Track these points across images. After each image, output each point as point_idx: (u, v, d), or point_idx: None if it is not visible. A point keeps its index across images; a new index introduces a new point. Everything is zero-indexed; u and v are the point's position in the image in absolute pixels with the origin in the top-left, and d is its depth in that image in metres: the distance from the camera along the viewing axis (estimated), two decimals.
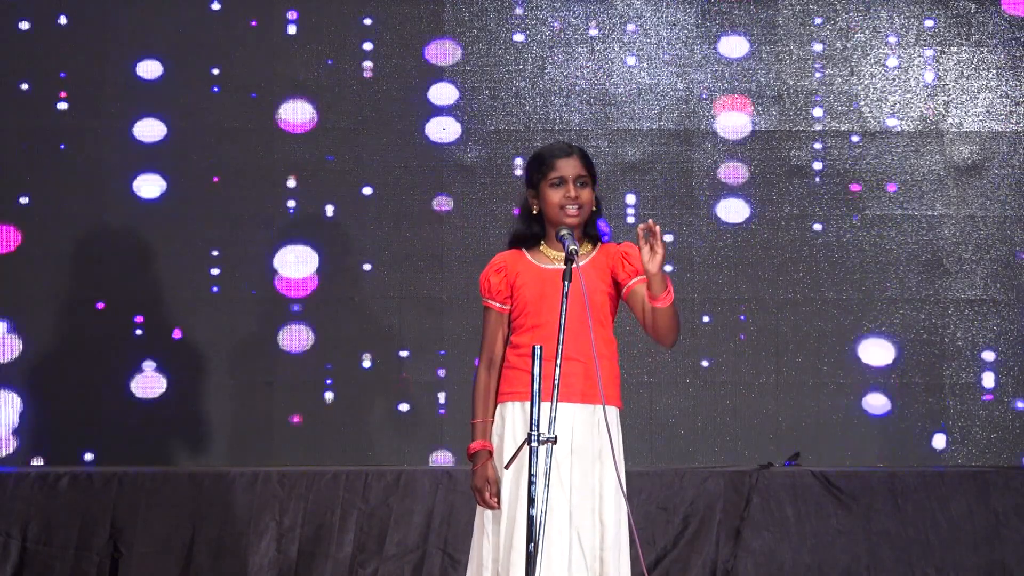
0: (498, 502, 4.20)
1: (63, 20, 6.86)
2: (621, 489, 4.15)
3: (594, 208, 4.30)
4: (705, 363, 6.83)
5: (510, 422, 4.25)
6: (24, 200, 6.82)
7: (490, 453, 4.24)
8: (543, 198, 4.26)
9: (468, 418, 6.69)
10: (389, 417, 6.80)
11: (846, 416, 6.79)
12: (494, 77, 6.90)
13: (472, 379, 4.34)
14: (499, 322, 4.34)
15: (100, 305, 6.79)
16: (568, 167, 4.26)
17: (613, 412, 4.24)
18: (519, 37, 6.90)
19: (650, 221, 4.03)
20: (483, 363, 4.34)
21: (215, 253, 6.83)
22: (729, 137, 6.87)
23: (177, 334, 6.79)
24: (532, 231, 4.33)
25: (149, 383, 6.77)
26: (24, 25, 6.86)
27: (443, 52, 6.90)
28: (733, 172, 6.87)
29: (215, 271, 6.82)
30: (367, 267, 6.85)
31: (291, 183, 6.85)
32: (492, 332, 4.34)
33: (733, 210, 6.86)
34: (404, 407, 6.79)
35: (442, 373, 6.79)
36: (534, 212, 4.30)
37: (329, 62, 6.88)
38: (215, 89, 6.88)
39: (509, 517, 4.16)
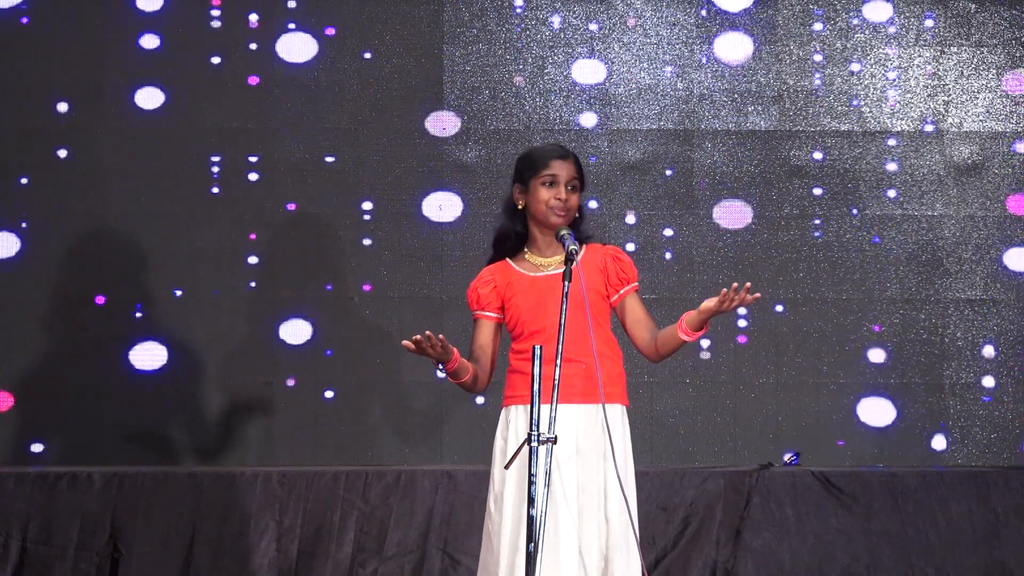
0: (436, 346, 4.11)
1: (64, 18, 6.86)
2: (621, 487, 4.15)
3: (576, 215, 4.32)
4: (705, 363, 6.83)
5: (514, 425, 4.24)
6: (24, 199, 6.82)
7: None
8: (532, 194, 4.27)
9: (467, 417, 6.73)
10: (389, 417, 6.80)
11: (846, 416, 6.79)
12: (494, 77, 6.90)
13: None
14: (489, 330, 4.34)
15: (99, 304, 6.78)
16: (563, 169, 4.27)
17: (618, 410, 4.25)
18: (519, 37, 6.90)
19: (756, 295, 4.03)
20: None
21: (215, 252, 6.82)
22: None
23: (177, 334, 6.79)
24: (516, 229, 4.33)
25: (149, 383, 6.77)
26: (24, 23, 6.86)
27: (443, 52, 6.90)
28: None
29: (215, 271, 6.82)
30: (367, 267, 6.84)
31: (290, 183, 6.85)
32: (479, 339, 4.34)
33: (733, 213, 6.87)
34: (404, 407, 6.79)
35: (441, 374, 6.78)
36: (519, 207, 4.31)
37: (329, 62, 6.88)
38: (215, 88, 6.88)
39: (515, 520, 4.15)
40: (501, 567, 4.15)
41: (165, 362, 6.79)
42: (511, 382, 4.30)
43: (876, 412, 6.80)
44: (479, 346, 4.33)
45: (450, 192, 6.86)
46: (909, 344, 6.83)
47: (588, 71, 6.88)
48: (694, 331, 4.16)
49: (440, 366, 4.19)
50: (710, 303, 4.08)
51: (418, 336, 4.07)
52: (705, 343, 6.81)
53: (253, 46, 6.88)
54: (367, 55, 6.90)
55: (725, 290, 4.04)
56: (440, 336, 4.09)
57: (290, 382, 6.81)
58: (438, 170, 6.87)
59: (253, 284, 6.84)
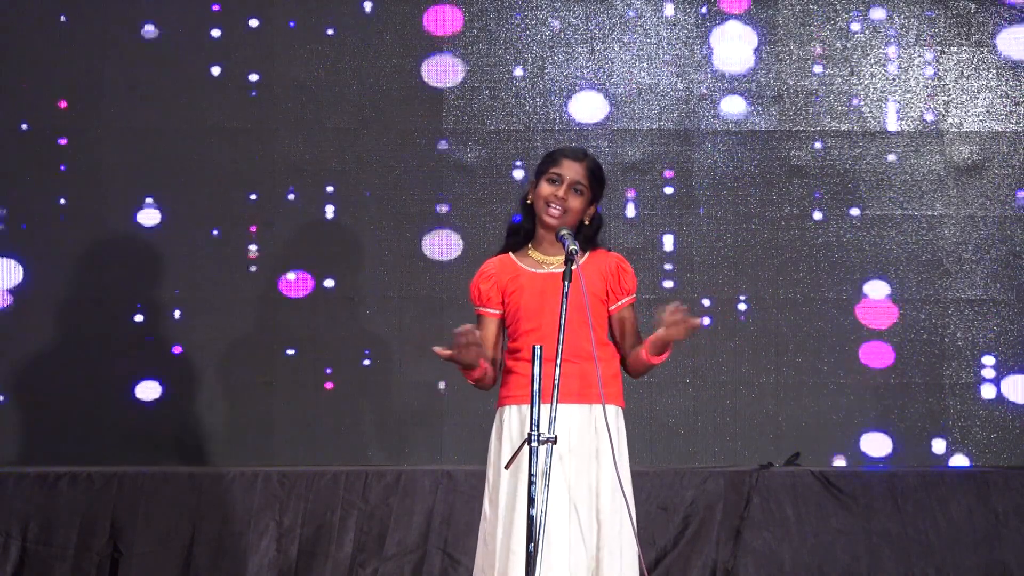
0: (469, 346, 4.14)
1: (63, 18, 6.86)
2: (621, 488, 4.15)
3: (587, 223, 4.32)
4: (705, 363, 6.82)
5: (507, 426, 4.26)
6: (23, 199, 6.82)
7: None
8: (537, 189, 4.29)
9: (467, 418, 6.72)
10: (389, 417, 6.80)
11: (846, 416, 6.79)
12: (494, 77, 6.89)
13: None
14: (492, 327, 4.36)
15: (99, 305, 6.78)
16: (570, 169, 4.28)
17: (614, 411, 4.25)
18: (519, 37, 6.90)
19: (694, 321, 4.07)
20: None
21: (215, 253, 6.82)
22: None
23: (177, 334, 6.79)
24: (525, 225, 4.36)
25: (149, 383, 6.77)
26: (24, 24, 6.86)
27: (443, 53, 6.91)
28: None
29: (215, 271, 6.82)
30: (367, 267, 6.85)
31: (291, 183, 6.85)
32: (484, 336, 4.36)
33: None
34: (404, 407, 6.79)
35: (442, 385, 6.78)
36: (528, 202, 4.33)
37: (328, 62, 6.88)
38: (215, 88, 6.88)
39: (506, 522, 4.16)
40: (496, 569, 4.16)
41: (165, 362, 6.79)
42: (505, 382, 4.32)
43: (876, 411, 6.81)
44: (496, 342, 4.37)
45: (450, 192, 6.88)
46: (909, 344, 6.82)
47: (588, 72, 6.88)
48: (656, 355, 4.21)
49: (464, 371, 4.22)
50: (659, 334, 4.12)
51: (463, 328, 4.09)
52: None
53: (253, 46, 6.88)
54: (367, 54, 6.89)
55: (668, 311, 4.07)
56: (479, 332, 4.13)
57: (290, 382, 6.80)
58: (437, 170, 6.87)
59: (253, 285, 6.83)
